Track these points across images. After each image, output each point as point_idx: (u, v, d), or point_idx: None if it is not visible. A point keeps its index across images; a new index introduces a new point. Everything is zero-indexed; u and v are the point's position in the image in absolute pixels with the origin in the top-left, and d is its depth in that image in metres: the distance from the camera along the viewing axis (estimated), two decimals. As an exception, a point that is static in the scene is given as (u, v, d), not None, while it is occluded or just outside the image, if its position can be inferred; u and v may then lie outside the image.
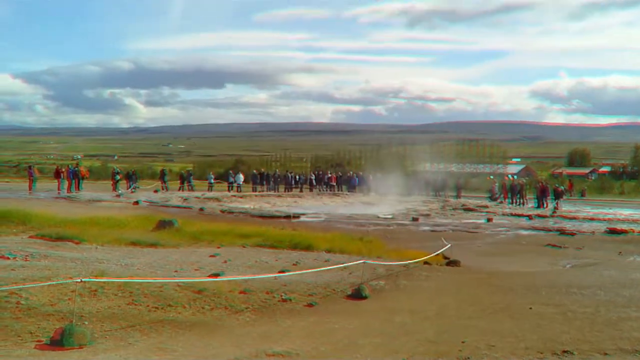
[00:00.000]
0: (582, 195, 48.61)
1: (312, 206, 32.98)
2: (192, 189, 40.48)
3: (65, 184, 34.46)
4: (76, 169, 36.28)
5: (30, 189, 34.04)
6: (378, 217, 28.44)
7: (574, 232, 23.25)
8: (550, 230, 24.12)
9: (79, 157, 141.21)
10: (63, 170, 35.60)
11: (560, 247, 19.25)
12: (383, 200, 35.07)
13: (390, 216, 28.84)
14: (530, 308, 8.99)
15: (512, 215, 30.56)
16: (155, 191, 37.94)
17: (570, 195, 45.27)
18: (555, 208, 33.08)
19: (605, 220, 27.80)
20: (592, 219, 28.29)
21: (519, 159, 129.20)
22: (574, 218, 28.75)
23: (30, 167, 38.90)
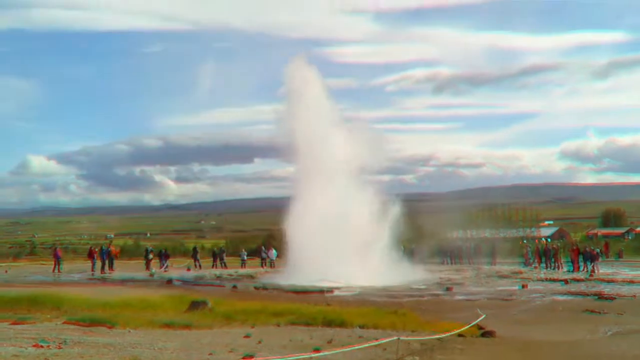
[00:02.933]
0: (619, 256, 47.77)
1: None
2: (224, 266, 40.56)
3: (99, 264, 34.79)
4: (108, 248, 36.66)
5: (53, 270, 34.57)
6: (411, 287, 28.13)
7: (613, 296, 22.60)
8: (587, 295, 23.44)
9: (112, 235, 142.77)
10: (96, 250, 35.99)
11: (599, 312, 18.61)
12: (416, 270, 34.70)
13: (423, 286, 28.51)
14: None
15: (546, 280, 30.00)
16: (188, 269, 38.18)
17: (607, 257, 44.49)
18: (592, 271, 32.49)
19: (645, 282, 27.10)
20: (631, 282, 27.61)
21: (551, 222, 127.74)
22: (612, 281, 28.16)
23: (55, 249, 39.60)
